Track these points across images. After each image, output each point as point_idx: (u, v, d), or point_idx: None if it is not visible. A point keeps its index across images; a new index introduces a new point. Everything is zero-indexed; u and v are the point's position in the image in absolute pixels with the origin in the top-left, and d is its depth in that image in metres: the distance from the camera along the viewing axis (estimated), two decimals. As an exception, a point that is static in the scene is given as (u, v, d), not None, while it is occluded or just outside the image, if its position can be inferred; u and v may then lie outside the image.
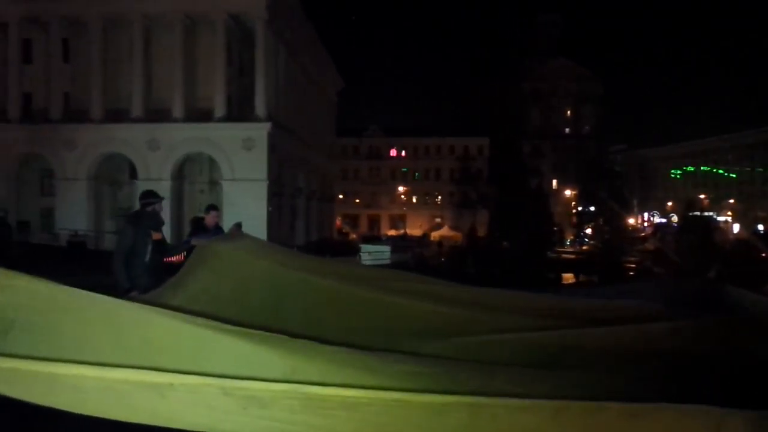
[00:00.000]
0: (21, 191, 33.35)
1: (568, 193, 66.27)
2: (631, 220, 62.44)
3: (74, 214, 31.74)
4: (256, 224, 29.11)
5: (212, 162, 33.44)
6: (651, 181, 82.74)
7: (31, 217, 32.80)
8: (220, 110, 32.06)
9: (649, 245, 36.09)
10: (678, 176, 73.40)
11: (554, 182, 69.55)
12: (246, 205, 29.22)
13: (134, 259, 5.10)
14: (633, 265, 23.69)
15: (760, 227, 54.58)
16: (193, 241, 4.62)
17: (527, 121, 72.07)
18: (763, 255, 21.95)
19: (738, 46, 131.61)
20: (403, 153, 74.65)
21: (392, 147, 74.40)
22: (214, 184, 34.10)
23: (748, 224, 57.38)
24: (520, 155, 64.62)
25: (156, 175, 31.84)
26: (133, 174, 33.33)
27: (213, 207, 6.93)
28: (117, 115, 32.33)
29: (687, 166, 72.83)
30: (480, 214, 56.60)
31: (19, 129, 32.73)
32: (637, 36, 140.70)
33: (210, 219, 6.58)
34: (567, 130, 73.65)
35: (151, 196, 5.49)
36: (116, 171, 34.44)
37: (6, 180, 32.41)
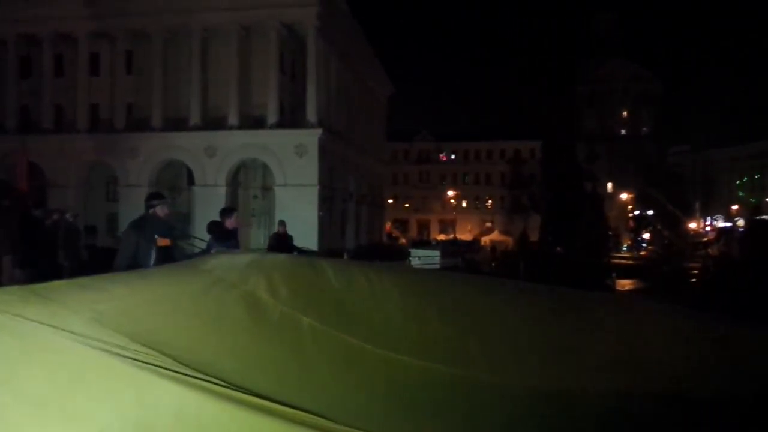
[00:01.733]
0: (89, 197, 35.08)
1: (624, 196, 64.19)
2: (693, 224, 59.83)
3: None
4: (307, 229, 29.60)
5: (265, 168, 34.23)
6: (714, 183, 79.04)
7: (97, 221, 34.46)
8: (273, 117, 32.81)
9: (713, 250, 34.41)
10: (743, 183, 69.84)
11: (609, 186, 67.52)
12: (298, 210, 29.76)
13: (136, 268, 4.41)
14: (695, 271, 22.67)
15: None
16: (213, 251, 4.21)
17: (582, 124, 70.31)
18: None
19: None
20: (453, 157, 74.23)
21: (442, 151, 74.12)
22: (267, 189, 34.88)
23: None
24: (574, 158, 63.10)
25: (212, 181, 32.91)
26: (190, 180, 34.53)
27: (231, 210, 6.68)
28: (176, 124, 33.61)
29: (753, 169, 69.18)
30: (531, 219, 55.56)
31: (87, 138, 34.50)
32: (700, 34, 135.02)
33: (230, 222, 6.29)
34: (624, 132, 71.38)
35: (154, 198, 5.13)
36: (175, 177, 35.75)
37: (76, 187, 34.19)
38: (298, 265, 2.66)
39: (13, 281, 8.52)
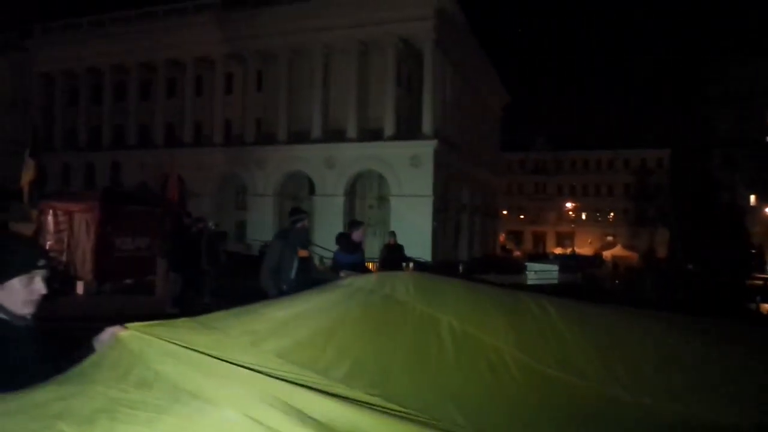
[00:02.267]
0: (221, 205, 38.11)
1: (771, 210, 57.69)
2: None
3: (262, 226, 35.43)
4: (422, 240, 29.95)
5: (381, 178, 35.08)
6: None
7: (228, 228, 37.30)
8: (389, 129, 33.61)
9: None
10: None
11: (753, 198, 61.04)
12: (412, 221, 30.24)
13: (281, 275, 5.09)
14: None
15: None
16: (342, 274, 4.39)
17: (717, 129, 64.36)
18: None
19: None
20: (572, 167, 71.24)
21: (560, 161, 71.43)
22: (383, 199, 35.71)
23: None
24: (709, 167, 57.88)
25: (331, 191, 34.36)
26: (311, 190, 36.30)
27: (358, 223, 6.93)
28: (299, 137, 35.55)
29: None
30: (659, 233, 51.78)
31: (221, 151, 37.59)
32: None
33: (357, 235, 6.51)
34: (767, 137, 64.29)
35: (299, 213, 5.55)
36: (297, 188, 37.76)
37: (211, 196, 37.32)
38: (431, 277, 2.84)
39: (169, 282, 9.55)
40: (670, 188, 58.81)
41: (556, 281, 22.32)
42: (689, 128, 59.64)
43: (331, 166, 34.54)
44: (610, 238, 63.86)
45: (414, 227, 29.15)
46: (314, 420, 1.58)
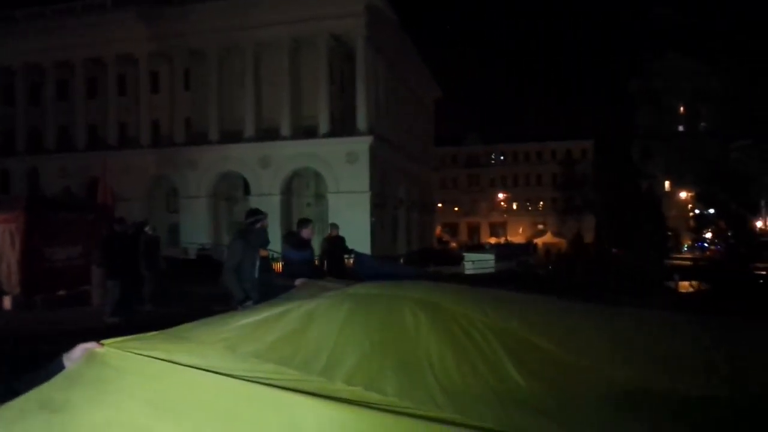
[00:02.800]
0: (152, 209, 36.80)
1: (683, 195, 61.90)
2: (759, 224, 57.05)
3: (196, 229, 34.53)
4: (361, 236, 30.08)
5: (318, 176, 34.99)
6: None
7: (159, 232, 36.04)
8: (324, 126, 33.54)
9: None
10: None
11: (667, 184, 65.25)
12: (350, 217, 30.28)
13: (243, 275, 5.20)
14: (764, 272, 21.76)
15: None
16: (297, 282, 4.41)
17: (636, 121, 68.28)
18: None
19: None
20: (503, 158, 73.54)
21: (491, 154, 73.57)
22: (320, 197, 35.63)
23: None
24: (629, 156, 61.33)
25: (267, 190, 33.92)
26: (246, 190, 35.68)
27: (307, 221, 6.81)
28: (232, 136, 34.83)
29: None
30: (586, 220, 54.39)
31: (149, 153, 36.21)
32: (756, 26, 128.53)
33: (306, 233, 6.50)
34: (681, 128, 68.92)
35: (258, 213, 5.60)
36: (232, 188, 37.01)
37: (140, 199, 35.94)
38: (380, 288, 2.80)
39: (106, 290, 9.23)
40: (595, 177, 61.89)
41: (493, 270, 23.13)
42: (611, 121, 62.98)
43: (266, 165, 34.09)
44: (540, 227, 66.36)
45: (352, 223, 29.18)
46: (297, 418, 1.62)
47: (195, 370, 1.78)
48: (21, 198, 13.15)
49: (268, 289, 4.70)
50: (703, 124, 67.85)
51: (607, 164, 58.93)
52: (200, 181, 35.44)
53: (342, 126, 35.00)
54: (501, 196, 70.53)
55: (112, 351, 1.80)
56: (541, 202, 71.09)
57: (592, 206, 54.45)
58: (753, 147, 73.51)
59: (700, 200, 55.59)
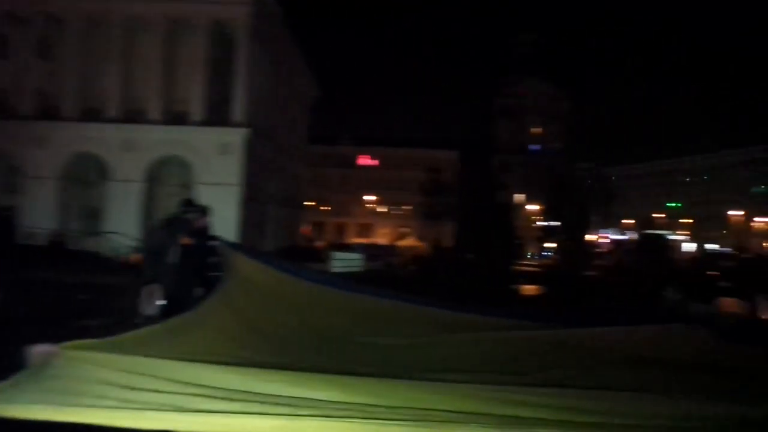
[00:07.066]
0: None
1: (532, 207, 68.22)
2: (590, 236, 64.59)
3: (43, 212, 31.44)
4: (228, 229, 29.41)
5: (187, 165, 33.58)
6: (614, 198, 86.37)
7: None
8: (197, 114, 32.33)
9: (608, 261, 37.72)
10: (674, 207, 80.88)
11: (520, 197, 71.49)
12: (219, 210, 29.08)
13: (160, 258, 5.59)
14: (593, 280, 25.04)
15: (714, 246, 57.76)
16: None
17: (497, 137, 74.13)
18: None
19: (701, 74, 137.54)
20: (374, 162, 75.42)
21: (363, 156, 75.13)
22: (187, 187, 34.19)
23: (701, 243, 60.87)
24: (489, 169, 66.34)
25: (128, 176, 31.90)
26: (104, 174, 33.22)
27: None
28: (92, 114, 32.26)
29: (650, 187, 78.27)
30: (447, 226, 57.76)
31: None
32: (612, 56, 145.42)
33: (201, 222, 5.90)
34: (535, 146, 76.05)
35: (192, 206, 5.83)
36: (86, 171, 34.20)
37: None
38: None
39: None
40: (458, 186, 65.97)
41: (359, 269, 24.00)
42: (476, 134, 67.64)
43: (129, 149, 32.04)
44: (404, 230, 69.23)
45: (221, 216, 28.29)
46: (235, 394, 1.95)
47: (151, 359, 2.11)
48: None
49: (190, 277, 5.21)
50: (553, 144, 75.73)
51: (470, 174, 63.23)
52: (50, 161, 32.29)
53: (217, 115, 33.89)
54: (370, 198, 72.35)
55: (72, 353, 2.03)
56: (407, 207, 74.09)
57: (453, 213, 57.97)
58: (596, 168, 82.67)
59: (547, 213, 61.75)
